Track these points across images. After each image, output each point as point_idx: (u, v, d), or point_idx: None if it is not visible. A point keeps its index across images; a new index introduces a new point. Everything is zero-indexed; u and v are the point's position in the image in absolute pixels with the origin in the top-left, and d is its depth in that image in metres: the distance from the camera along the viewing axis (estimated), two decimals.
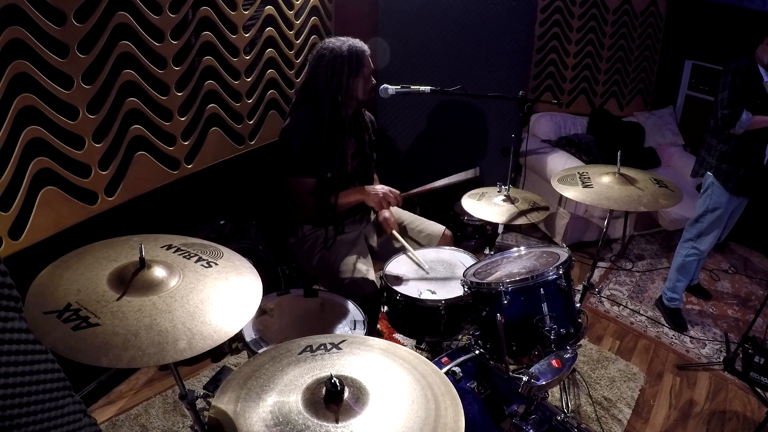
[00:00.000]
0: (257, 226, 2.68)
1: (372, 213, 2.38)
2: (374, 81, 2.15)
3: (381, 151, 2.48)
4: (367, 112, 2.29)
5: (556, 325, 1.51)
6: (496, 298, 1.57)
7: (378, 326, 2.51)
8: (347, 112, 2.13)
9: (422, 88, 2.25)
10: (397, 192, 2.13)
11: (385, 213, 2.28)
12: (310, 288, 1.91)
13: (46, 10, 1.67)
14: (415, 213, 2.44)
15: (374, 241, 2.32)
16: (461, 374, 1.64)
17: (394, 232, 2.22)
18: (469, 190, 2.21)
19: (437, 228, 2.33)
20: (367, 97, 2.15)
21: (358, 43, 2.08)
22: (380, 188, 2.11)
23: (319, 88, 2.05)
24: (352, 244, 2.19)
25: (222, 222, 2.55)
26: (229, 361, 2.50)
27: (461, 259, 2.12)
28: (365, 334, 1.70)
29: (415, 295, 1.87)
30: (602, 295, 3.27)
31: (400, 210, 2.42)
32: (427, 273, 2.03)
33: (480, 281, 1.66)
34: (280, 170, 2.09)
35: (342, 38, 2.09)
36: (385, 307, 1.96)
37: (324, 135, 2.04)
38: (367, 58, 2.08)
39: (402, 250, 2.18)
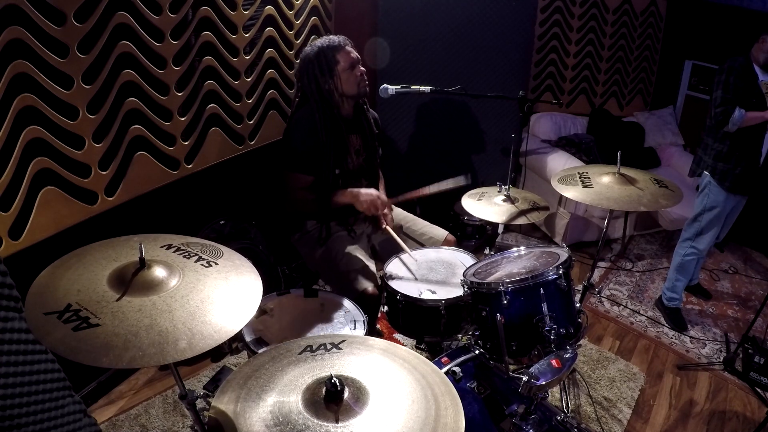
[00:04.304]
0: (257, 226, 2.68)
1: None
2: (361, 70, 2.09)
3: (381, 150, 2.48)
4: (370, 109, 2.29)
5: (556, 325, 1.51)
6: (495, 298, 1.57)
7: (378, 326, 2.50)
8: (343, 111, 2.14)
9: (422, 88, 2.25)
10: (386, 200, 2.15)
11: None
12: (310, 288, 1.91)
13: (46, 10, 1.67)
14: (415, 213, 2.44)
15: (376, 240, 2.32)
16: (461, 374, 1.64)
17: (387, 227, 2.16)
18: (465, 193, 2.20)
19: (440, 232, 2.32)
20: (356, 90, 2.09)
21: (330, 40, 2.05)
22: (369, 194, 2.11)
23: (307, 94, 2.10)
24: (354, 241, 2.19)
25: (222, 222, 2.55)
26: (229, 361, 2.50)
27: (461, 259, 2.12)
28: (365, 334, 1.70)
29: (415, 295, 1.87)
30: (602, 295, 3.27)
31: (404, 211, 2.41)
32: (416, 277, 2.00)
33: (480, 281, 1.66)
34: (280, 165, 2.12)
35: (318, 41, 2.09)
36: (385, 307, 1.96)
37: (323, 135, 2.06)
38: (343, 52, 2.04)
39: (399, 249, 2.16)
